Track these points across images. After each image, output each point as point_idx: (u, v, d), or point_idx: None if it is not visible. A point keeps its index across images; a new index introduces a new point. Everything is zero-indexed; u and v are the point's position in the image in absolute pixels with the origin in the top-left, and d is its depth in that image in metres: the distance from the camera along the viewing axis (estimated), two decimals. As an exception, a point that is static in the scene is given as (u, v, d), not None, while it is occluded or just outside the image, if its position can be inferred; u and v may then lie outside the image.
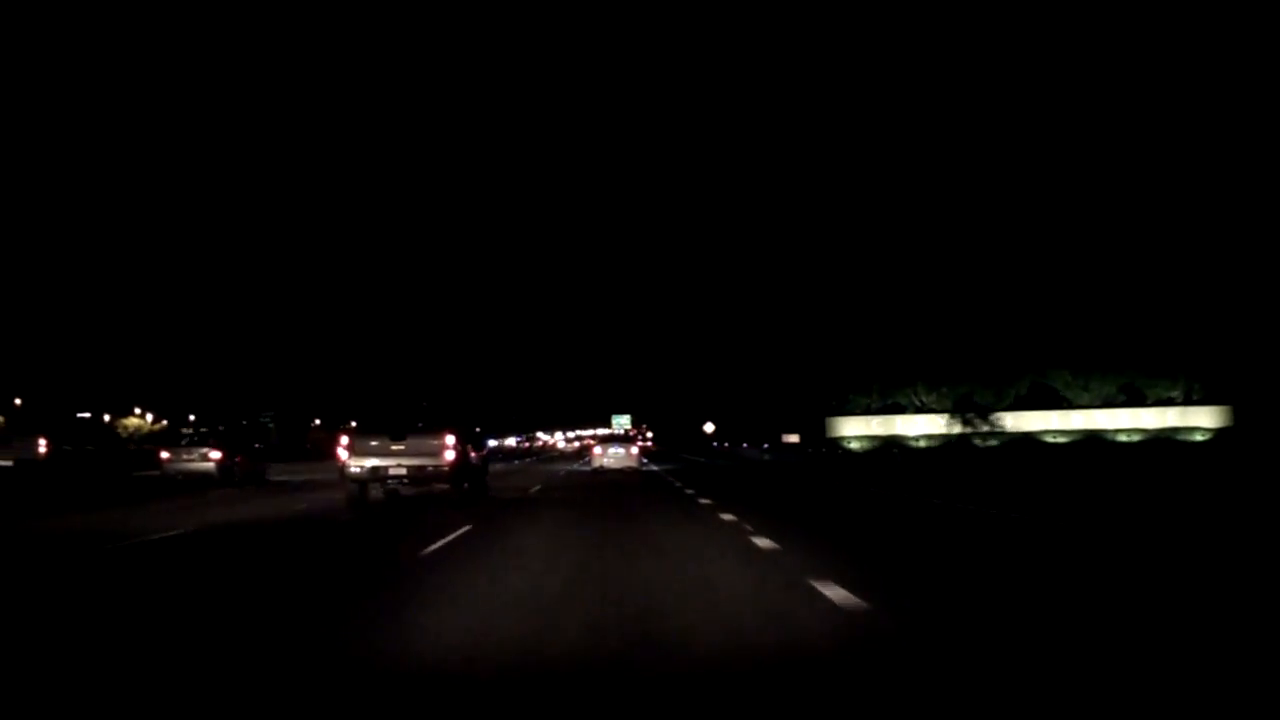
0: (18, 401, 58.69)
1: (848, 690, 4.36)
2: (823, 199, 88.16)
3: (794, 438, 60.84)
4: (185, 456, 26.28)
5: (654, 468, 40.06)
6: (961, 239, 66.87)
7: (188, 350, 73.24)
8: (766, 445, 61.35)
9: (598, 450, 40.16)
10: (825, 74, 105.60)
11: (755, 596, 6.81)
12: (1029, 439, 57.65)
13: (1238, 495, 17.29)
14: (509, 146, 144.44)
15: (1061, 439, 58.14)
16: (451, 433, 17.05)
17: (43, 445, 29.49)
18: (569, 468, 42.79)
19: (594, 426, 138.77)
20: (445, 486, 17.37)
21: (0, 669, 5.01)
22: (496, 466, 35.97)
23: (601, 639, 5.42)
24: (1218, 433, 56.43)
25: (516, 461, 59.23)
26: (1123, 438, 57.36)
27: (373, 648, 5.24)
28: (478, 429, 21.06)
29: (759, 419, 73.25)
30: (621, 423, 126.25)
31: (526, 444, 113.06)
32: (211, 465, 25.62)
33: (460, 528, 12.23)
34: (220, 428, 39.59)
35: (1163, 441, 55.29)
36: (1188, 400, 59.23)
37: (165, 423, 71.03)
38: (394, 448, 16.84)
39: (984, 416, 58.47)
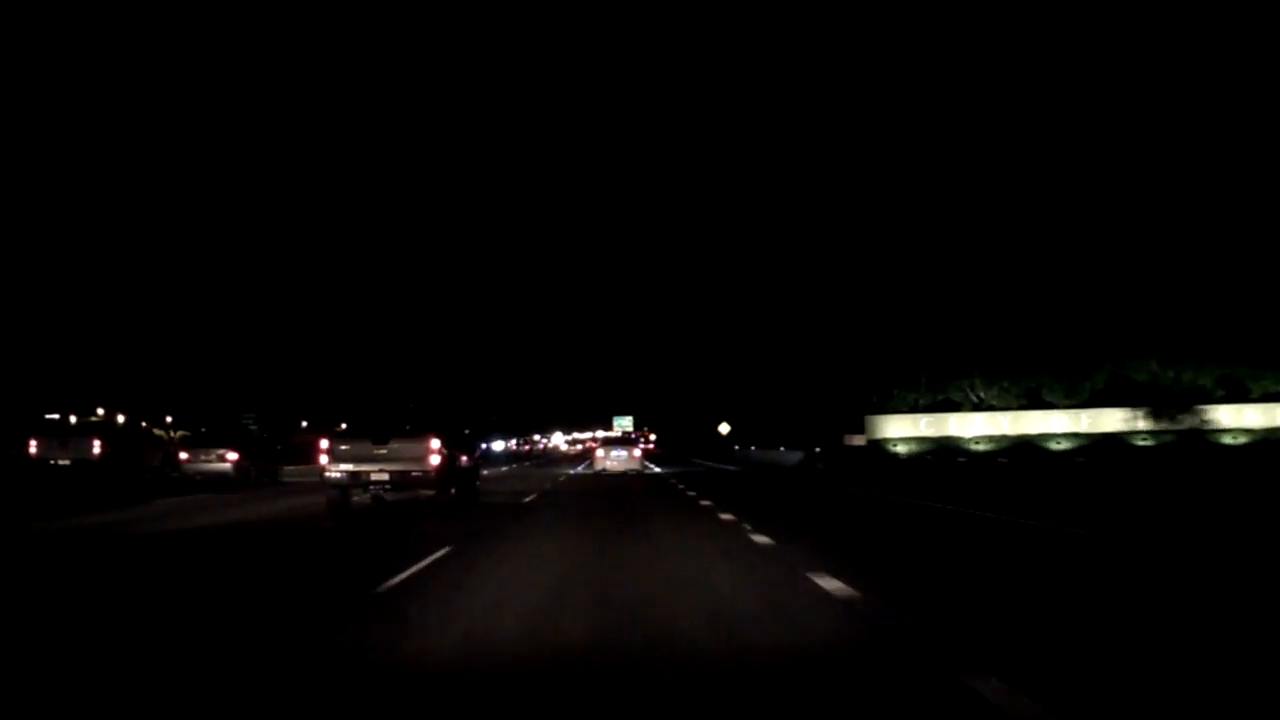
0: None
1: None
2: (858, 166, 78.65)
3: (860, 439, 50.96)
4: (204, 457, 28.60)
5: (656, 470, 38.25)
6: (1021, 207, 57.29)
7: (161, 350, 67.69)
8: (819, 449, 51.36)
9: (600, 453, 40.64)
10: (857, 52, 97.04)
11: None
12: (1111, 440, 48.67)
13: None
14: (508, 138, 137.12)
15: (1148, 441, 49.09)
16: (437, 436, 16.47)
17: (96, 447, 30.58)
18: (569, 471, 41.51)
19: (595, 428, 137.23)
20: (430, 493, 16.80)
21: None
22: (497, 470, 35.82)
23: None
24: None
25: (514, 465, 56.61)
26: (1228, 439, 48.20)
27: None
28: (467, 431, 20.30)
29: (783, 418, 64.58)
30: (623, 424, 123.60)
31: (526, 447, 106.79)
32: (228, 466, 28.07)
33: (436, 550, 10.86)
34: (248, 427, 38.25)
35: (1274, 444, 46.27)
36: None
37: (186, 432, 66.44)
38: (377, 451, 16.25)
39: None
